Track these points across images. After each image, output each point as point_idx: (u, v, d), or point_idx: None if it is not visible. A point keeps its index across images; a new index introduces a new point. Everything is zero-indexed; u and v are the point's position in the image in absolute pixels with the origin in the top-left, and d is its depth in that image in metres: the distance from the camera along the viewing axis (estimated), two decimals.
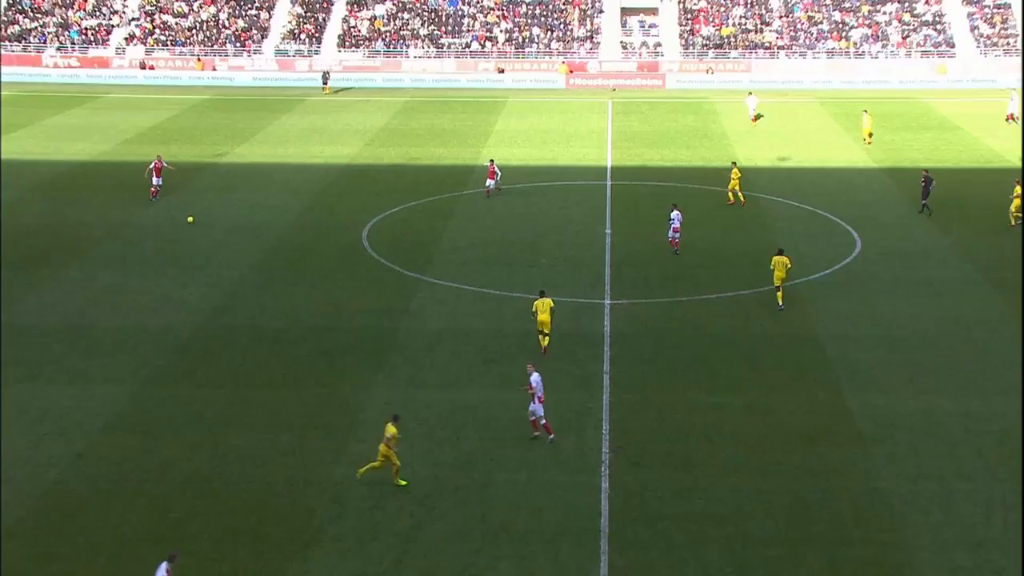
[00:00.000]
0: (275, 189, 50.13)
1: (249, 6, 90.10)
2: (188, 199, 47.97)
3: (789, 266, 34.61)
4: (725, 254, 40.36)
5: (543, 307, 31.03)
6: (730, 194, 46.50)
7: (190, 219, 44.16)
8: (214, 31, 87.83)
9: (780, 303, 34.61)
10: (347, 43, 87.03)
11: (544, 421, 26.09)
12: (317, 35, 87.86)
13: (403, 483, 24.33)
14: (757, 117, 65.98)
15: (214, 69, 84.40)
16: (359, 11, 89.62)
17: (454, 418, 27.39)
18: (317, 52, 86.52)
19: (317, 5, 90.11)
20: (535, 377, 26.17)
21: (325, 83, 78.40)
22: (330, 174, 53.44)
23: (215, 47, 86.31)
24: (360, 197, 48.82)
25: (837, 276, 38.16)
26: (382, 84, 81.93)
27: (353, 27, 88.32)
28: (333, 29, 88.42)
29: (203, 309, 34.92)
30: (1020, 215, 42.72)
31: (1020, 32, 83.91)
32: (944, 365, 30.67)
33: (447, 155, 57.91)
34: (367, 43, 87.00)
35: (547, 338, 31.18)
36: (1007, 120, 65.01)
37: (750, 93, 68.38)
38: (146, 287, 36.91)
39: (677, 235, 40.03)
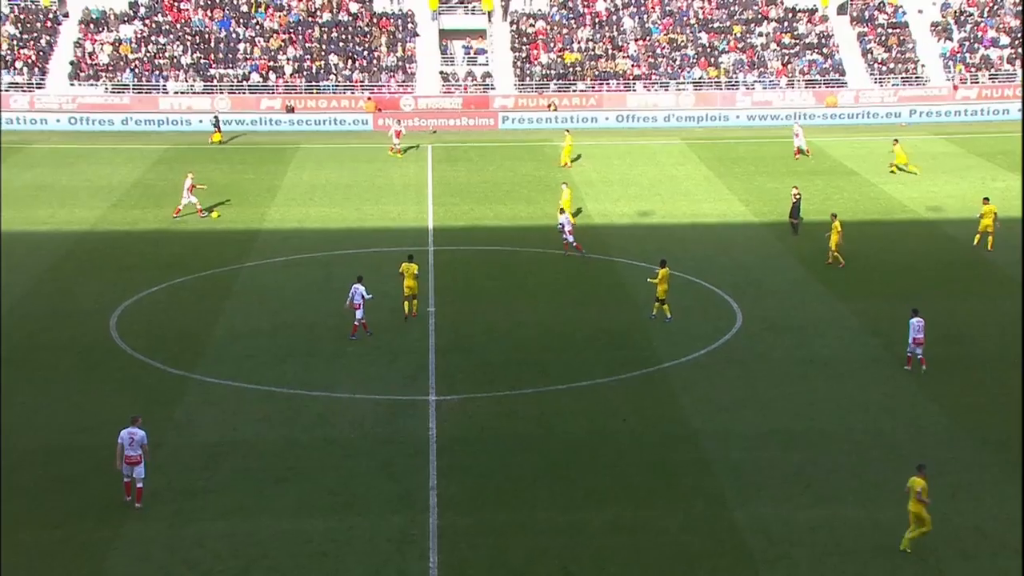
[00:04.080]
0: None
1: None
2: None
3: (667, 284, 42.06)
4: (578, 334, 41.21)
5: (408, 271, 41.42)
6: None
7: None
8: None
9: (667, 315, 42.02)
10: (82, 73, 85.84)
11: (140, 485, 28.89)
12: (40, 63, 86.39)
13: (907, 550, 26.80)
14: (404, 149, 73.35)
15: None
16: (97, 33, 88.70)
17: (237, 557, 26.94)
18: (41, 85, 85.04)
19: (39, 24, 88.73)
20: (125, 434, 28.81)
21: (217, 128, 77.55)
22: (64, 245, 52.38)
23: None
24: (106, 274, 47.98)
25: (714, 357, 39.40)
26: (132, 127, 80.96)
27: (90, 53, 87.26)
28: (62, 55, 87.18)
29: None
30: (837, 252, 48.50)
31: (1021, 49, 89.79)
32: (847, 464, 31.78)
33: (222, 218, 57.54)
34: (110, 74, 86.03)
35: (415, 301, 41.77)
36: (796, 156, 71.48)
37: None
38: None
39: (566, 237, 49.87)
